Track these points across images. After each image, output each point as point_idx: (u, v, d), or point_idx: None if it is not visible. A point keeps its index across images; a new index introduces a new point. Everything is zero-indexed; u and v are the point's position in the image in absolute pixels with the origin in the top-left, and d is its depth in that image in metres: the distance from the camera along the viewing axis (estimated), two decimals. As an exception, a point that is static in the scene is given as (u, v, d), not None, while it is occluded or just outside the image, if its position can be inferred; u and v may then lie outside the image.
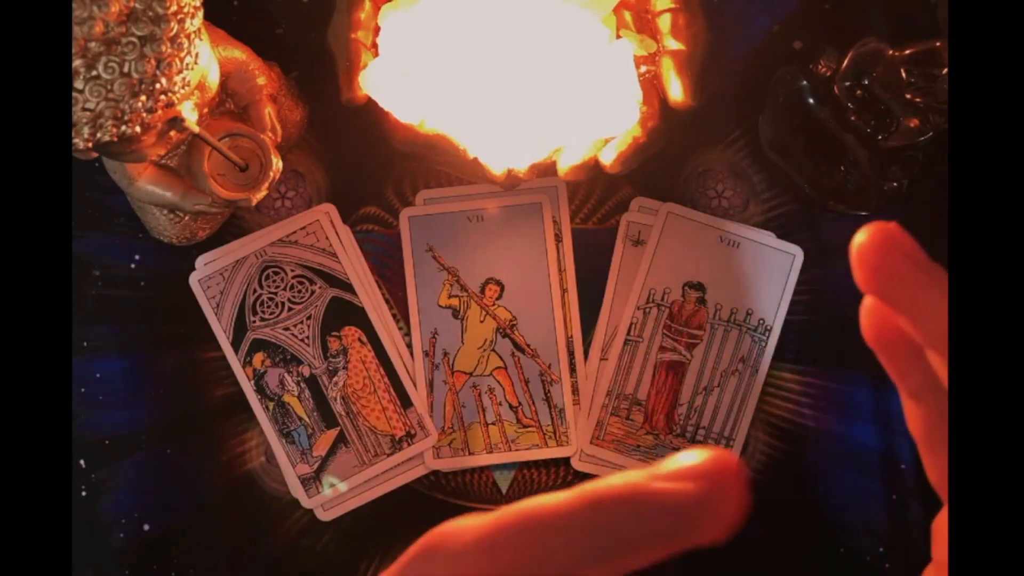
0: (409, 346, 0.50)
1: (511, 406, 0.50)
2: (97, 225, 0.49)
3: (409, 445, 0.49)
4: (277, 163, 0.44)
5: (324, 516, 0.49)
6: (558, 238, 0.51)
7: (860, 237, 0.21)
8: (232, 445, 0.49)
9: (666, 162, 0.50)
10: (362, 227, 0.51)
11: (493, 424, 0.50)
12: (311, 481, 0.49)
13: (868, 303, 0.23)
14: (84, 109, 0.32)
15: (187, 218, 0.47)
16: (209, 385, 0.50)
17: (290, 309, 0.49)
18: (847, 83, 0.46)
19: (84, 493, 0.49)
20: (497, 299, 0.50)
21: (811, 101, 0.48)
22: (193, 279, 0.49)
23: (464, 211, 0.51)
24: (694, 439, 0.50)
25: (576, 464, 0.50)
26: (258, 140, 0.44)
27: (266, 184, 0.44)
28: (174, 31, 0.33)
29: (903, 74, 0.45)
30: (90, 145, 0.33)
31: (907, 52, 0.45)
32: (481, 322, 0.50)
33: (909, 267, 0.21)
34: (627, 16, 0.45)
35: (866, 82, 0.46)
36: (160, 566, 0.49)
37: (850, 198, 0.48)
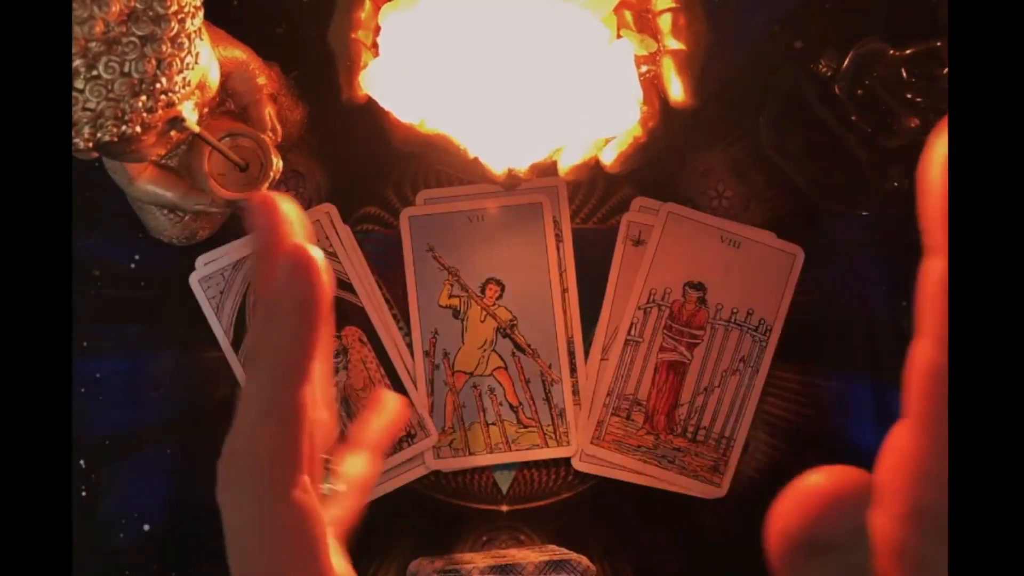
0: (409, 346, 0.50)
1: (511, 406, 0.50)
2: (97, 225, 0.49)
3: (409, 445, 0.49)
4: (277, 163, 0.44)
5: (324, 516, 0.49)
6: (558, 238, 0.51)
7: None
8: (232, 445, 0.49)
9: (666, 162, 0.50)
10: (362, 227, 0.51)
11: (493, 424, 0.50)
12: (311, 481, 0.49)
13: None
14: (84, 109, 0.32)
15: (187, 218, 0.47)
16: (209, 385, 0.50)
17: (290, 309, 0.49)
18: (847, 83, 0.46)
19: (84, 493, 0.49)
20: (497, 299, 0.50)
21: (811, 101, 0.48)
22: (193, 279, 0.49)
23: (464, 211, 0.51)
24: (695, 439, 0.49)
25: (576, 464, 0.50)
26: (258, 140, 0.44)
27: (266, 184, 0.44)
28: (174, 31, 0.33)
29: (903, 74, 0.45)
30: (90, 145, 0.33)
31: (907, 52, 0.45)
32: (481, 322, 0.50)
33: None
34: (627, 16, 0.44)
35: (866, 82, 0.46)
36: (160, 566, 0.49)
37: (850, 198, 0.48)
